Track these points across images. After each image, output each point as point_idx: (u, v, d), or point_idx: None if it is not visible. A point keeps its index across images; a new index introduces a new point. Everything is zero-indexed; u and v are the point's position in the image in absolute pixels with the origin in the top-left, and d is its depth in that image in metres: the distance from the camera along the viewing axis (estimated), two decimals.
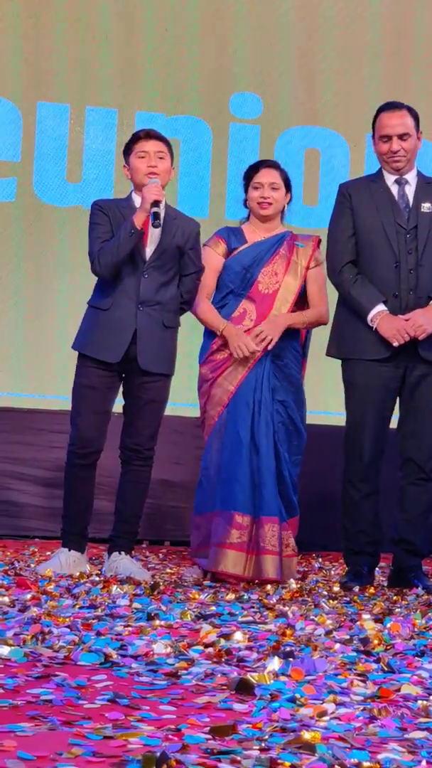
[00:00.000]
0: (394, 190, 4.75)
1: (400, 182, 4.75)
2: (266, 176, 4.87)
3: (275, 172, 4.90)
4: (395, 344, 4.59)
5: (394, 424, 4.81)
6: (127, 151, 4.76)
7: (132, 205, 4.72)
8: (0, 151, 6.42)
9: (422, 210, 4.70)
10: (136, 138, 4.74)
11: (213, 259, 4.89)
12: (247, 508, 4.70)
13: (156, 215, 4.55)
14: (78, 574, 4.58)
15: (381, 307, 4.61)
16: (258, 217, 4.91)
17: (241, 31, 6.67)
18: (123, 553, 4.77)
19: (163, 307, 4.71)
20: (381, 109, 4.77)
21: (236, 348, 4.75)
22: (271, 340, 4.74)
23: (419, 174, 4.79)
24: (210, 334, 4.90)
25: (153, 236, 4.66)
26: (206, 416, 4.90)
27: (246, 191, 4.93)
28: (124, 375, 4.74)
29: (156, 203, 4.57)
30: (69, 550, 4.75)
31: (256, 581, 4.65)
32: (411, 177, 4.77)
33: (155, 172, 4.67)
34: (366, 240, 4.70)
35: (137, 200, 4.69)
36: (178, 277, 4.77)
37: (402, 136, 4.70)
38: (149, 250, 4.68)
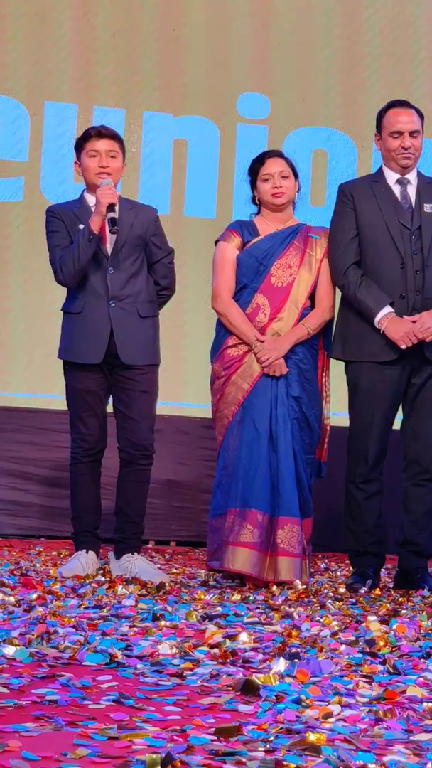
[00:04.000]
0: (397, 190, 4.74)
1: (402, 182, 4.74)
2: (274, 166, 4.77)
3: (282, 161, 4.80)
4: (403, 347, 4.58)
5: (396, 425, 4.80)
6: (78, 148, 4.73)
7: (86, 205, 4.71)
8: (7, 151, 6.42)
9: (425, 211, 4.70)
10: (87, 136, 4.70)
11: (230, 253, 4.77)
12: (266, 506, 4.57)
13: (113, 221, 4.52)
14: (86, 574, 4.58)
15: (388, 309, 4.60)
16: (271, 209, 4.79)
17: (248, 31, 6.66)
18: (136, 554, 4.76)
19: (135, 298, 4.70)
20: (390, 106, 4.76)
21: (270, 368, 4.65)
22: (277, 363, 4.64)
23: (419, 174, 4.79)
24: (224, 330, 4.77)
25: (109, 231, 4.60)
26: (219, 415, 4.76)
27: (253, 186, 4.83)
28: (110, 374, 4.72)
29: (111, 207, 4.54)
30: (86, 552, 4.75)
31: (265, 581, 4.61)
32: (412, 177, 4.76)
33: (107, 172, 4.65)
34: (370, 241, 4.69)
35: (90, 200, 4.69)
36: (146, 266, 4.74)
37: (413, 133, 4.70)
38: (109, 246, 4.67)
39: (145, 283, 4.74)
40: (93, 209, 4.62)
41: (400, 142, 4.69)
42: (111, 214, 4.53)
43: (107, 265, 4.67)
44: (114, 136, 4.71)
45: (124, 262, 4.68)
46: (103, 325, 4.66)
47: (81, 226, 4.63)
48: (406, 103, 4.78)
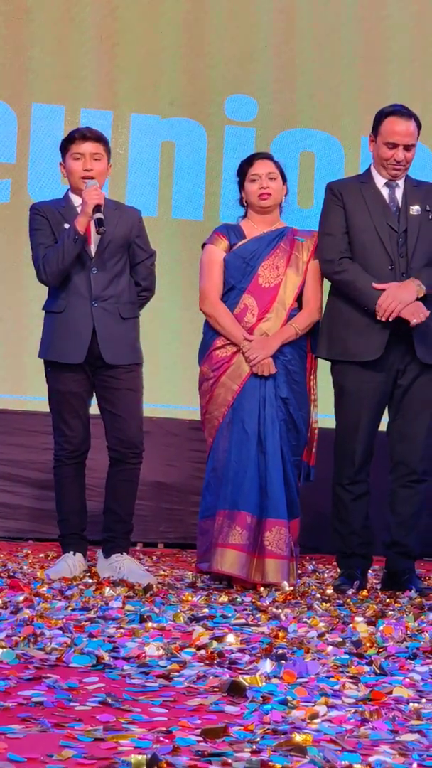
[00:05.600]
0: (385, 192, 4.74)
1: (391, 185, 4.74)
2: (262, 167, 4.78)
3: (270, 163, 4.81)
4: (379, 317, 4.53)
5: (383, 426, 4.80)
6: (63, 149, 4.72)
7: (71, 205, 4.70)
8: None
9: (411, 213, 4.70)
10: (72, 138, 4.68)
11: (217, 255, 4.78)
12: (254, 508, 4.58)
13: (100, 221, 4.51)
14: (73, 576, 4.58)
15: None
16: (257, 211, 4.80)
17: (235, 33, 6.66)
18: (125, 554, 4.76)
19: (117, 299, 4.69)
20: (390, 113, 4.69)
21: (258, 368, 4.66)
22: (265, 362, 4.65)
23: (407, 176, 4.78)
24: (212, 332, 4.79)
25: (95, 232, 4.60)
26: (209, 416, 4.76)
27: (241, 188, 4.83)
28: (93, 375, 4.71)
29: (98, 207, 4.54)
30: (74, 554, 4.74)
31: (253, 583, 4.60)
32: (400, 180, 4.76)
33: (90, 176, 4.64)
34: (359, 241, 4.68)
35: (76, 200, 4.68)
36: (129, 268, 4.74)
37: (408, 147, 4.68)
38: (93, 246, 4.66)
39: (128, 285, 4.74)
40: (78, 209, 4.61)
41: (393, 154, 4.66)
42: (98, 215, 4.52)
43: (91, 266, 4.66)
44: (99, 138, 4.69)
45: (108, 262, 4.68)
46: (85, 325, 4.65)
47: (66, 225, 4.63)
48: (407, 111, 4.69)
